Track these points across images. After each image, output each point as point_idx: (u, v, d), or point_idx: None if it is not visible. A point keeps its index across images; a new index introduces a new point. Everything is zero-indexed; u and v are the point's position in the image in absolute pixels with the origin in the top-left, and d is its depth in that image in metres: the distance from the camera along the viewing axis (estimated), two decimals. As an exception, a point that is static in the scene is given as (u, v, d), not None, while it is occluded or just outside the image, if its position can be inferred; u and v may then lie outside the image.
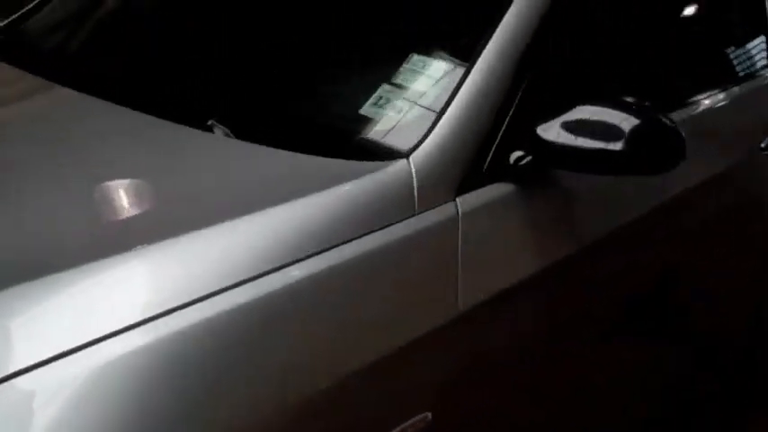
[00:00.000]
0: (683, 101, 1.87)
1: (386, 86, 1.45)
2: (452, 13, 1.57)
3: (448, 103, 1.38)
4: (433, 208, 1.30)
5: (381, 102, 1.43)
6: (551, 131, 1.38)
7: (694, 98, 1.93)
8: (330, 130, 1.43)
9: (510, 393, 1.43)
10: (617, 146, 1.35)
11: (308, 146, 1.34)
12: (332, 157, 1.32)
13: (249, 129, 1.40)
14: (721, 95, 2.03)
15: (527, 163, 1.41)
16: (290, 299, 1.14)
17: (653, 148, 1.37)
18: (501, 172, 1.40)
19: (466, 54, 1.44)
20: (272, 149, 1.34)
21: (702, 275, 1.93)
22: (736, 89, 2.09)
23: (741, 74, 2.16)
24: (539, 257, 1.42)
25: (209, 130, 1.41)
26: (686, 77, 1.97)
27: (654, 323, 1.76)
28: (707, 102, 1.96)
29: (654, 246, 1.70)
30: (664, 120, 1.37)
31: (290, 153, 1.33)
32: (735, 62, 2.17)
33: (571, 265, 1.47)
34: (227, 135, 1.40)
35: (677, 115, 1.79)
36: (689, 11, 2.07)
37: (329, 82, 1.54)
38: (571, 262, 1.47)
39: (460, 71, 1.42)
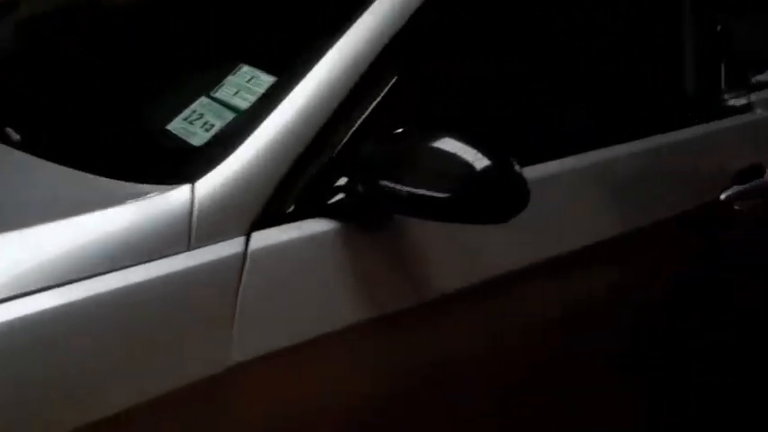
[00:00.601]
0: (613, 139, 1.64)
1: (204, 100, 1.28)
2: (291, 22, 1.40)
3: (259, 124, 1.20)
4: (214, 243, 1.12)
5: (193, 117, 1.26)
6: (376, 167, 1.20)
7: (632, 137, 1.69)
8: (126, 146, 1.27)
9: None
10: (440, 190, 1.15)
11: (96, 163, 1.19)
12: (118, 176, 1.16)
13: (42, 140, 1.26)
14: (671, 135, 1.78)
15: (355, 198, 1.22)
16: (30, 332, 0.99)
17: (484, 196, 1.16)
18: (321, 206, 1.22)
19: (300, 68, 1.26)
20: (51, 165, 1.19)
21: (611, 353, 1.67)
22: (695, 129, 1.84)
23: (700, 111, 1.90)
24: (349, 312, 1.21)
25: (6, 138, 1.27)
26: (627, 113, 1.73)
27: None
28: (650, 142, 1.72)
29: (534, 310, 1.46)
30: (501, 162, 1.16)
31: (66, 169, 1.18)
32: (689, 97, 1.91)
33: (391, 326, 1.25)
34: (16, 146, 1.25)
35: (606, 153, 1.60)
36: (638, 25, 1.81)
37: (146, 93, 1.38)
38: (392, 322, 1.25)
39: (287, 87, 1.24)
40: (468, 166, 1.16)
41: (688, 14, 1.91)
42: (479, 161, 1.16)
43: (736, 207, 1.88)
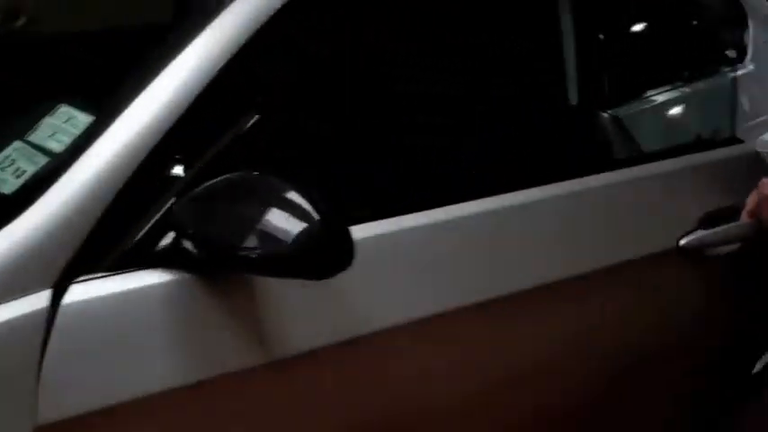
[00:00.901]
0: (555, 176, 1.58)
1: (18, 144, 1.21)
2: (114, 57, 1.33)
3: (69, 167, 1.13)
4: (14, 299, 1.05)
5: (5, 163, 1.19)
6: (196, 220, 1.12)
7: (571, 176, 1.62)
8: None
9: None
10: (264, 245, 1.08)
11: None
12: None
13: None
14: (620, 173, 1.69)
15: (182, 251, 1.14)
16: None
17: (307, 252, 1.09)
18: (154, 257, 1.14)
19: (117, 106, 1.19)
20: None
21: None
22: (650, 167, 1.75)
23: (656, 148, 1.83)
24: (174, 373, 1.13)
25: None
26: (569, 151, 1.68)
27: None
28: (593, 180, 1.63)
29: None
30: (327, 217, 1.09)
31: None
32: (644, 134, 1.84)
33: (225, 388, 1.17)
34: None
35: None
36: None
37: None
38: (224, 384, 1.17)
39: (104, 126, 1.17)
40: (302, 220, 1.08)
41: (567, 25, 1.87)
42: (310, 215, 1.09)
43: (706, 254, 1.74)
